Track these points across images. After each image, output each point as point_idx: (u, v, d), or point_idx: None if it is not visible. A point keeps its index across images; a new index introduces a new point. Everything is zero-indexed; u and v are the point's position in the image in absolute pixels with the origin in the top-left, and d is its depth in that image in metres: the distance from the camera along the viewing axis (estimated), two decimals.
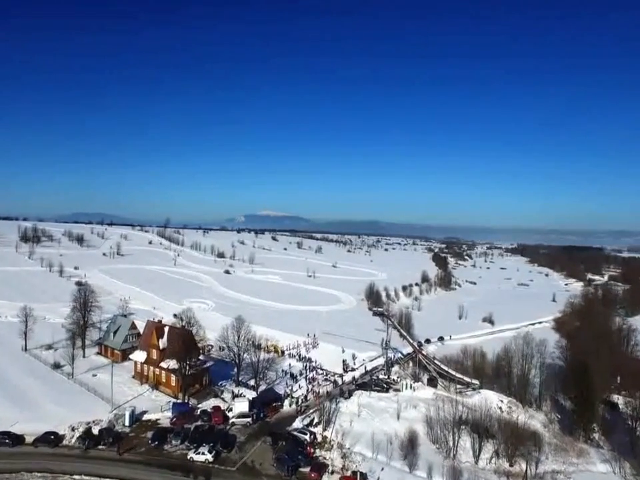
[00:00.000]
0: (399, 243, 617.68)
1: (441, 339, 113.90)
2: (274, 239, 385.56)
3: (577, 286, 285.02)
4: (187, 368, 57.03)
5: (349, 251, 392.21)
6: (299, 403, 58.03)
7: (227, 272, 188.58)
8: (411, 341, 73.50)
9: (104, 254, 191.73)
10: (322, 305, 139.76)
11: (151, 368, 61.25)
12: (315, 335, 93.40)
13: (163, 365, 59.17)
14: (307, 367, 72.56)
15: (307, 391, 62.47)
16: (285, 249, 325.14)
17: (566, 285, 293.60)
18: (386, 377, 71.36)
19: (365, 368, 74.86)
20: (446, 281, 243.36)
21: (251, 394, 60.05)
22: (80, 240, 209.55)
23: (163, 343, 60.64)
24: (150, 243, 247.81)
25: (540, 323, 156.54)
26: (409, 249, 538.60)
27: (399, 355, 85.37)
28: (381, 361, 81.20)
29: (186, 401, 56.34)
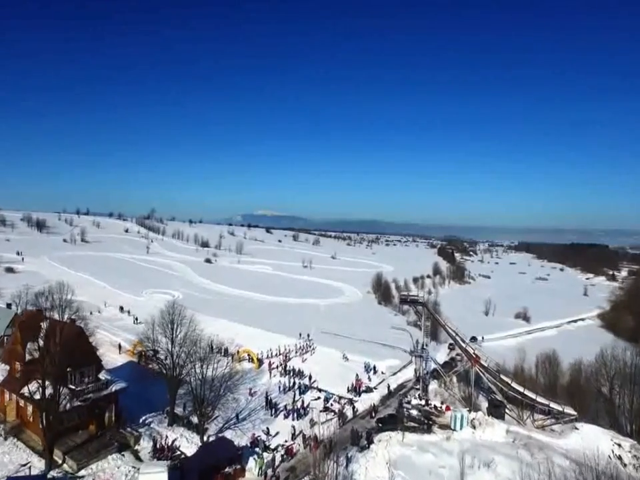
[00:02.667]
0: (399, 240, 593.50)
1: (473, 339, 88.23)
2: (268, 231, 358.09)
3: (598, 280, 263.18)
4: (61, 397, 30.09)
5: (348, 244, 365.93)
6: (276, 464, 31.16)
7: (208, 261, 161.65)
8: (463, 344, 46.46)
9: (64, 240, 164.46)
10: (320, 297, 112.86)
11: (13, 396, 34.18)
12: (309, 336, 66.64)
13: (27, 390, 32.05)
14: (297, 388, 45.62)
15: (293, 434, 35.57)
16: (280, 241, 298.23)
17: (587, 279, 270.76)
18: (422, 401, 44.62)
19: (389, 387, 47.97)
20: (459, 274, 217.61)
21: (193, 442, 33.30)
22: (40, 226, 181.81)
23: (31, 349, 33.46)
24: (126, 231, 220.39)
25: (582, 319, 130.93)
26: (411, 245, 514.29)
27: (431, 364, 58.98)
28: (409, 373, 54.58)
29: (59, 462, 29.40)
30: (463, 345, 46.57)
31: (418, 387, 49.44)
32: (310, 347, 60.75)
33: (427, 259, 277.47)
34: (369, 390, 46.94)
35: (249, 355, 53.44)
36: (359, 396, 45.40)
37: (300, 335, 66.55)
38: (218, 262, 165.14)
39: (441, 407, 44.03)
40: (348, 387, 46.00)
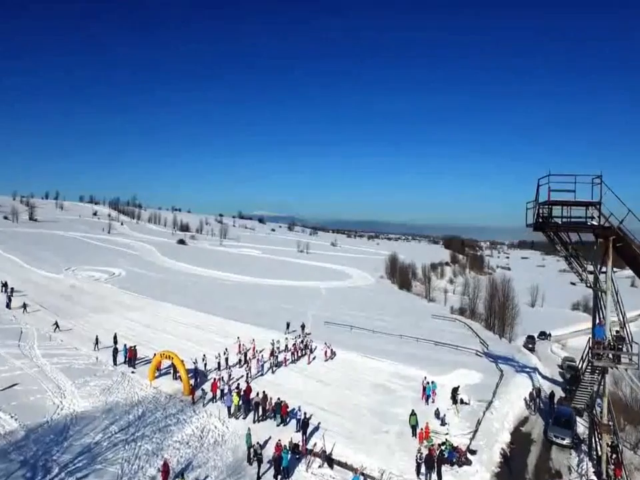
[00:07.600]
0: (399, 238, 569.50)
1: (543, 335, 62.67)
2: (261, 221, 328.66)
3: (627, 273, 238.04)
4: None
5: (348, 236, 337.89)
6: None
7: (182, 242, 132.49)
8: None
9: (5, 217, 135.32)
10: (319, 280, 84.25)
11: None
12: (304, 328, 38.08)
13: None
14: (263, 453, 16.84)
15: None
16: (273, 230, 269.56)
17: (615, 272, 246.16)
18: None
19: (509, 448, 19.31)
20: (477, 264, 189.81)
21: None
22: None
23: None
24: (95, 214, 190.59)
25: None
26: (412, 242, 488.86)
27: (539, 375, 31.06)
28: (514, 401, 26.05)
29: None
30: None
31: (564, 440, 20.89)
32: (308, 347, 32.07)
33: (436, 250, 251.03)
34: (456, 456, 18.25)
35: (172, 363, 24.63)
36: (438, 478, 16.85)
37: (288, 326, 37.96)
38: (195, 245, 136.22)
39: None
40: (417, 457, 17.27)
